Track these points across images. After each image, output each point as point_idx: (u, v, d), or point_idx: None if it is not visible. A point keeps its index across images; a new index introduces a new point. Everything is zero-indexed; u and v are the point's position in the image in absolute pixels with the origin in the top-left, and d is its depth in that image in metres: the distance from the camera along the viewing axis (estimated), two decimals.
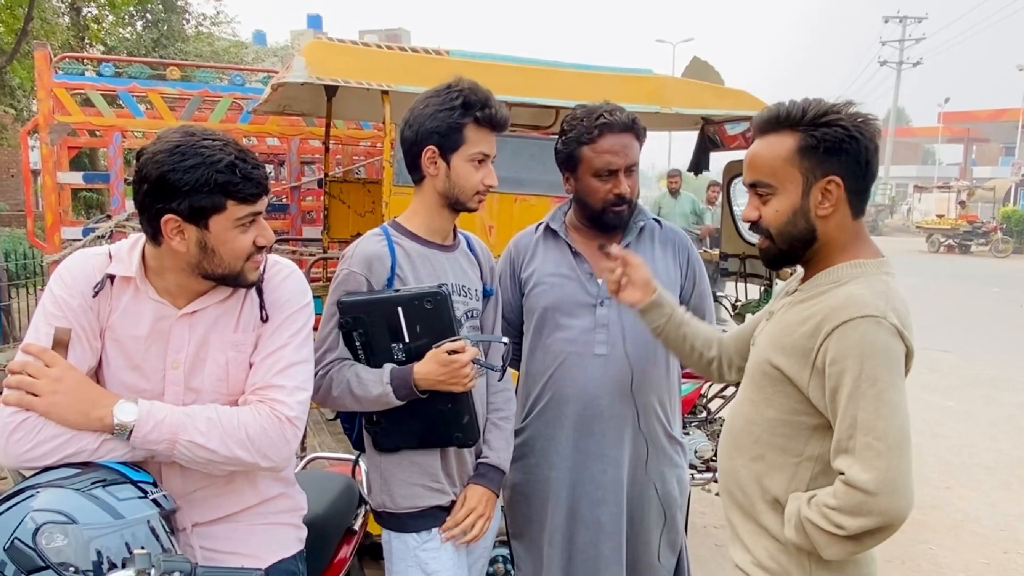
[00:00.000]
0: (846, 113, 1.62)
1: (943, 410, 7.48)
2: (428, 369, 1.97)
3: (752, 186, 1.72)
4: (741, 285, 5.22)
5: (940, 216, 31.07)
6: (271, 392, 1.73)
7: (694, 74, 4.71)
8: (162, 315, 1.73)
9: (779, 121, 1.66)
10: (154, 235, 1.67)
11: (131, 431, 1.60)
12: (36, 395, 1.58)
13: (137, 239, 1.78)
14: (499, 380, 2.27)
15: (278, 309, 1.80)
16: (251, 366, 1.77)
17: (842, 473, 1.52)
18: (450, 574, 2.11)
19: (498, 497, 2.25)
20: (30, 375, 1.59)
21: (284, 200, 6.00)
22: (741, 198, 6.90)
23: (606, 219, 2.34)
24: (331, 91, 4.36)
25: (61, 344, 1.65)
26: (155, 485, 1.61)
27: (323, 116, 4.80)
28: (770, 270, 4.82)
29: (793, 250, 1.69)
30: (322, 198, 5.12)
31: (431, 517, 2.14)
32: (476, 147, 2.07)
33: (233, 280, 1.72)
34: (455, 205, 2.12)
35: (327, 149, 4.83)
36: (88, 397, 1.61)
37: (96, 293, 1.70)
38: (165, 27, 18.30)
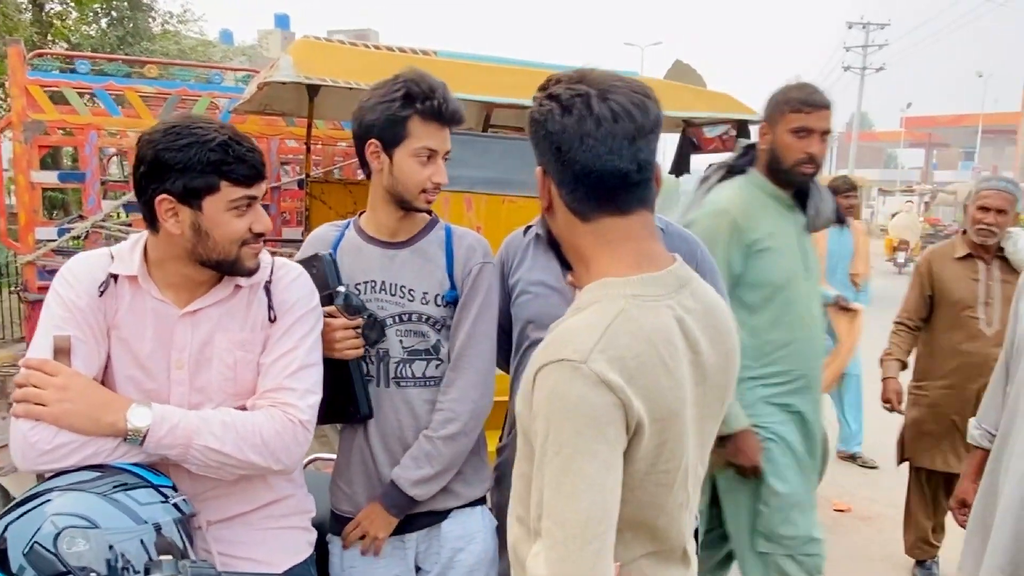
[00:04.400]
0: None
1: None
2: None
3: None
4: None
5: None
6: (283, 395, 1.73)
7: (676, 76, 4.76)
8: (164, 315, 1.72)
9: None
10: (151, 220, 1.68)
11: (145, 436, 1.59)
12: (44, 405, 1.56)
13: (138, 238, 1.78)
14: (371, 347, 2.04)
15: (288, 310, 1.79)
16: (259, 367, 1.77)
17: None
18: None
19: (397, 519, 2.06)
20: (35, 386, 1.57)
21: (263, 201, 5.93)
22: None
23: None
24: (313, 90, 4.34)
25: (62, 352, 1.63)
26: (175, 489, 1.60)
27: (304, 116, 4.77)
28: None
29: (555, 253, 1.42)
30: (303, 199, 5.08)
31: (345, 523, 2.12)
32: (420, 142, 1.96)
33: (230, 267, 1.71)
34: (401, 203, 2.02)
35: (308, 149, 4.80)
36: (98, 402, 1.60)
37: (102, 292, 1.70)
38: (131, 24, 18.01)
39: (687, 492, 1.32)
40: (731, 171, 2.81)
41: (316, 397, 1.78)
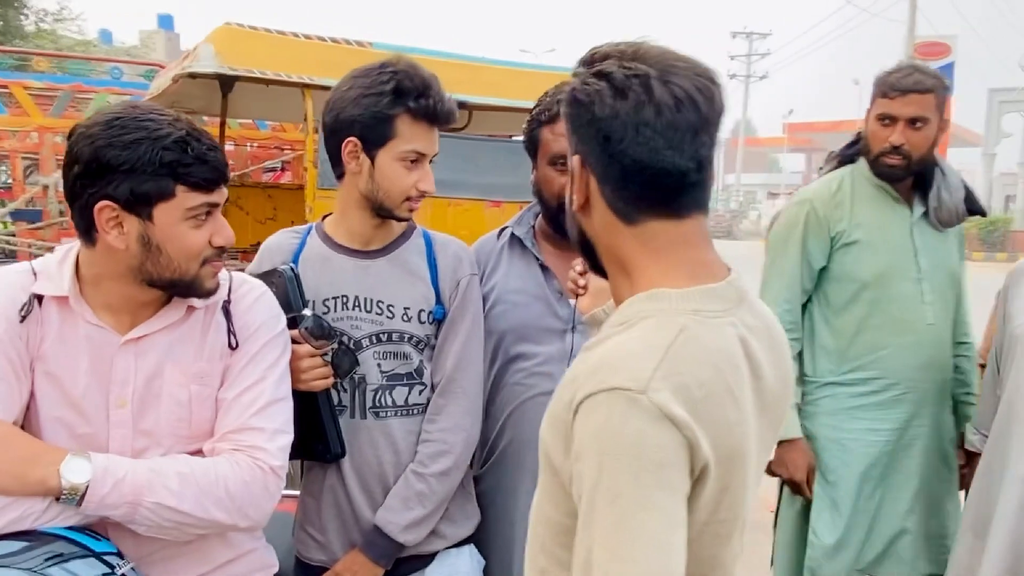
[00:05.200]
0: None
1: None
2: None
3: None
4: None
5: None
6: (249, 437, 1.46)
7: None
8: (101, 343, 1.43)
9: None
10: (87, 230, 1.39)
11: (83, 494, 1.30)
12: None
13: (67, 251, 1.48)
14: (343, 378, 1.79)
15: (251, 336, 1.53)
16: (217, 404, 1.50)
17: None
18: None
19: (384, 569, 1.81)
20: None
21: None
22: None
23: (562, 220, 1.81)
24: (227, 86, 3.99)
25: None
26: (121, 556, 1.33)
27: (216, 114, 4.39)
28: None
29: (586, 257, 1.22)
30: None
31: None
32: (408, 144, 1.72)
33: (186, 288, 1.44)
34: (379, 210, 1.78)
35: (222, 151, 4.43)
36: (24, 455, 1.31)
37: (24, 317, 1.39)
38: (0, 23, 16.87)
39: (741, 541, 1.14)
40: (842, 161, 2.60)
41: (287, 438, 1.52)
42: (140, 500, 1.33)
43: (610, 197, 1.09)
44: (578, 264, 1.75)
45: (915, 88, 2.34)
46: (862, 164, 2.51)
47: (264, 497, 1.46)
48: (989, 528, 2.31)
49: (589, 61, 1.10)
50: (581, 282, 1.73)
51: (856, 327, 2.46)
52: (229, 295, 1.53)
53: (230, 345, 1.51)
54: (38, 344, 1.41)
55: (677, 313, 1.03)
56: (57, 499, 1.30)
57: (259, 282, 1.63)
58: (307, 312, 1.72)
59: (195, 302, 1.49)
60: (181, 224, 1.39)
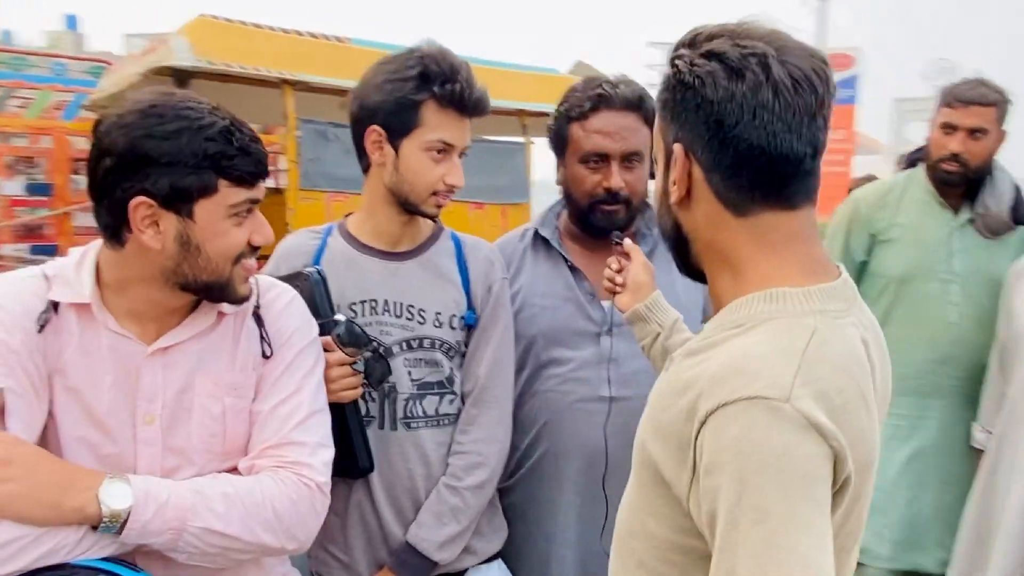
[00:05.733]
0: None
1: None
2: None
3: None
4: None
5: None
6: (291, 452, 1.35)
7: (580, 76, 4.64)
8: (126, 354, 1.30)
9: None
10: (116, 230, 1.26)
11: (124, 521, 1.17)
12: None
13: (84, 254, 1.34)
14: (375, 387, 1.69)
15: (286, 343, 1.42)
16: (251, 417, 1.38)
17: None
18: None
19: None
20: None
21: None
22: None
23: (593, 219, 1.85)
24: (181, 82, 3.81)
25: None
26: None
27: None
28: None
29: (676, 255, 1.14)
30: None
31: None
32: (435, 133, 1.62)
33: (219, 291, 1.33)
34: (405, 205, 1.68)
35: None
36: (57, 480, 1.16)
37: (42, 328, 1.26)
38: None
39: (857, 551, 1.08)
40: (911, 163, 2.78)
41: (329, 452, 1.41)
42: (185, 525, 1.21)
43: (719, 187, 1.02)
44: (613, 262, 1.70)
45: (978, 100, 2.50)
46: (920, 168, 2.70)
47: (311, 516, 1.35)
48: (996, 525, 2.34)
49: (692, 42, 1.03)
50: (619, 279, 1.68)
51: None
52: (258, 300, 1.42)
53: (264, 354, 1.39)
54: (56, 356, 1.27)
55: (804, 314, 0.97)
56: (94, 528, 1.16)
57: (287, 286, 1.52)
58: (340, 317, 1.60)
59: (225, 308, 1.37)
60: (224, 222, 1.28)
